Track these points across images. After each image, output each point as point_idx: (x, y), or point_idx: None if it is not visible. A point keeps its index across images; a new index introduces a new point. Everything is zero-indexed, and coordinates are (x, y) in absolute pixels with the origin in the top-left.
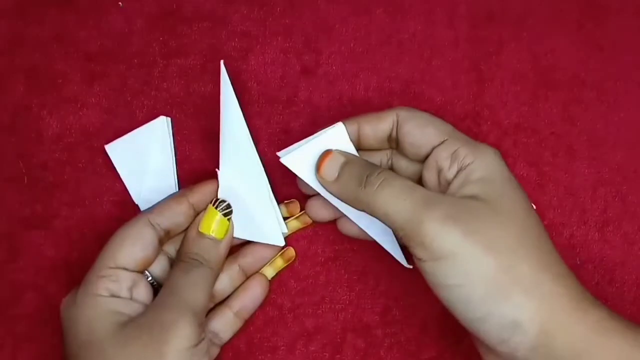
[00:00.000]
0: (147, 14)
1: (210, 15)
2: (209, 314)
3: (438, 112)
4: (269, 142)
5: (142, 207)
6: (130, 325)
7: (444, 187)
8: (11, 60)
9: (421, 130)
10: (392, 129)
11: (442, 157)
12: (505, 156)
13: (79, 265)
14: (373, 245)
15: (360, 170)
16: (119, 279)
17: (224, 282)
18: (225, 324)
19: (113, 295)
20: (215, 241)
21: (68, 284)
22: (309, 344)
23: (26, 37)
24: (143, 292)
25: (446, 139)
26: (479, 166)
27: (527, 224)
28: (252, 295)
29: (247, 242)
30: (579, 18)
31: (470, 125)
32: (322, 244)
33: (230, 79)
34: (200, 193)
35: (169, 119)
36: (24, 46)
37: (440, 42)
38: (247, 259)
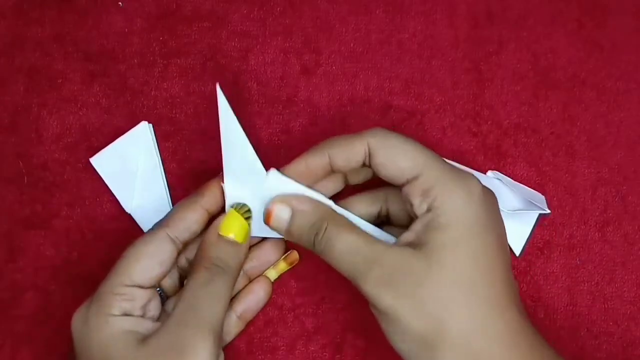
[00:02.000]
0: (146, 14)
1: (210, 15)
2: None
3: (438, 112)
4: (269, 142)
5: (135, 216)
6: (147, 344)
7: (409, 220)
8: (11, 60)
9: (394, 164)
10: (364, 158)
11: (414, 194)
12: (505, 156)
13: (78, 265)
14: None
15: (309, 228)
16: (134, 297)
17: None
18: (228, 327)
19: (126, 314)
20: (236, 245)
21: (68, 284)
22: (309, 344)
23: (26, 37)
24: (155, 308)
25: (420, 175)
26: (446, 211)
27: (474, 276)
28: (256, 298)
29: (251, 246)
30: (579, 18)
31: (470, 125)
32: None
33: (227, 99)
34: (211, 195)
35: (150, 125)
36: (23, 46)
37: (440, 42)
38: (252, 262)
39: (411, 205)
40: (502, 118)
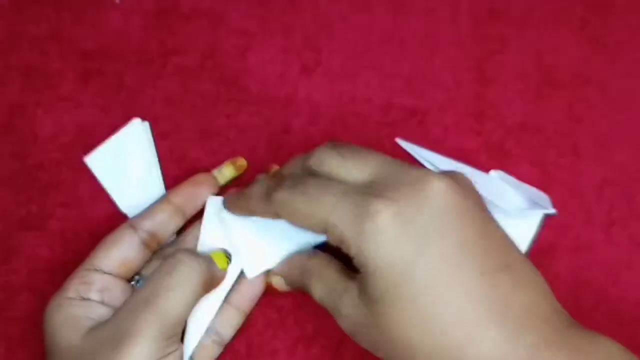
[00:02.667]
0: (144, 12)
1: (208, 12)
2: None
3: (440, 110)
4: (269, 141)
5: (130, 216)
6: (94, 332)
7: None
8: (6, 58)
9: (303, 226)
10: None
11: (335, 243)
12: (509, 156)
13: (74, 266)
14: None
15: (299, 282)
16: (89, 280)
17: None
18: (225, 320)
19: (82, 299)
20: (213, 261)
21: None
22: (310, 347)
23: (22, 35)
24: (118, 297)
25: (326, 230)
26: (364, 259)
27: (435, 313)
28: (251, 287)
29: None
30: (582, 15)
31: (474, 125)
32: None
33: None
34: (183, 194)
35: (146, 122)
36: (19, 45)
37: (443, 40)
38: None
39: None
40: (505, 117)
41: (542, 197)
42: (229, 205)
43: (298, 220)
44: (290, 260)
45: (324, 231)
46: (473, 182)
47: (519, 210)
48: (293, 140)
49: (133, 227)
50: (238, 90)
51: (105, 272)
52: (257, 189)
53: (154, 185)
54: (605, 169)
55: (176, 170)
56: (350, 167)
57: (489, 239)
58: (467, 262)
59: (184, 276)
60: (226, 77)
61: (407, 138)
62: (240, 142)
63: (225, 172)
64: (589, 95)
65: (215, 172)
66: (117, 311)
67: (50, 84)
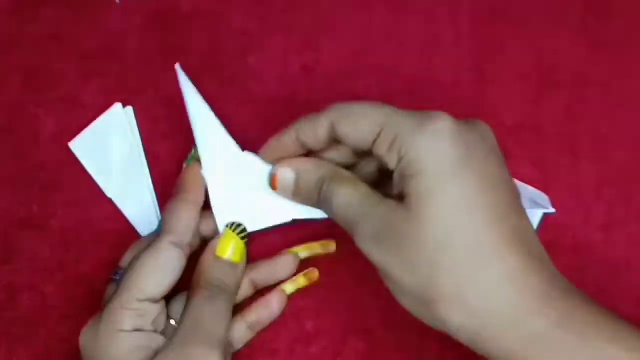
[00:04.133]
0: (145, 12)
1: (208, 12)
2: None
3: (440, 110)
4: None
5: (116, 200)
6: (159, 359)
7: (388, 180)
8: (7, 59)
9: (354, 129)
10: (329, 132)
11: (382, 150)
12: (508, 156)
13: (75, 266)
14: None
15: (314, 184)
16: (145, 312)
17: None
18: (239, 335)
19: (137, 330)
20: (233, 265)
21: (64, 285)
22: (310, 347)
23: (23, 35)
24: (162, 321)
25: (381, 130)
26: (412, 158)
27: (456, 224)
28: (269, 311)
29: (259, 257)
30: (582, 15)
31: None
32: None
33: (190, 78)
34: (196, 188)
35: (130, 107)
36: (20, 45)
37: (442, 40)
38: (261, 275)
39: (385, 163)
40: (505, 117)
41: (542, 196)
42: (270, 148)
43: (352, 122)
44: (305, 161)
45: (376, 134)
46: None
47: None
48: None
49: (177, 247)
50: (238, 91)
51: (157, 302)
52: (302, 118)
53: (138, 170)
54: (604, 169)
55: (176, 169)
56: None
57: (514, 186)
58: (500, 193)
59: (224, 303)
60: (226, 77)
61: None
62: (241, 142)
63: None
64: (588, 96)
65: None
66: (175, 340)
67: (51, 84)
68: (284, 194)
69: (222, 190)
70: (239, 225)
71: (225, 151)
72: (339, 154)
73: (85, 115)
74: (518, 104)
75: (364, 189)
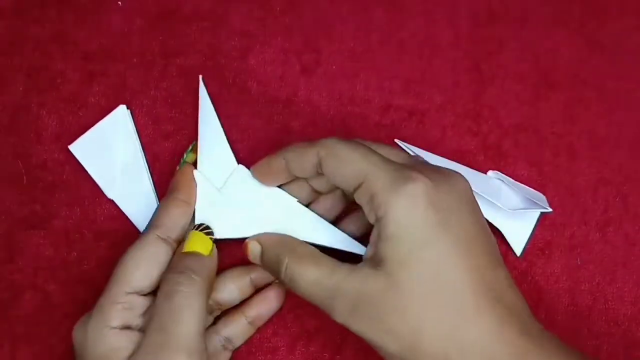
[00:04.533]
0: (146, 13)
1: (209, 14)
2: (223, 319)
3: (438, 111)
4: (269, 142)
5: (117, 201)
6: None
7: (368, 230)
8: (10, 59)
9: (339, 172)
10: (316, 168)
11: (362, 202)
12: (505, 156)
13: (78, 265)
14: None
15: (274, 262)
16: (133, 305)
17: (234, 294)
18: (239, 331)
19: (125, 327)
20: (200, 256)
21: (67, 284)
22: (310, 345)
23: (25, 36)
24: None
25: (364, 181)
26: (390, 220)
27: (438, 287)
28: (268, 305)
29: None
30: (579, 17)
31: (471, 125)
32: None
33: (208, 93)
34: (188, 187)
35: (129, 110)
36: (23, 46)
37: (441, 42)
38: (260, 273)
39: (365, 213)
40: (502, 118)
41: (539, 196)
42: (259, 169)
43: (337, 166)
44: (271, 236)
45: (357, 184)
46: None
47: (515, 209)
48: (293, 141)
49: (163, 241)
50: (239, 91)
51: (144, 294)
52: (294, 144)
53: (139, 171)
54: (600, 169)
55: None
56: (388, 149)
57: (489, 237)
58: (474, 252)
59: (187, 297)
60: (227, 78)
61: (405, 139)
62: (241, 142)
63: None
64: (585, 97)
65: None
66: (141, 345)
67: (54, 84)
68: (256, 262)
69: (209, 194)
70: (206, 226)
71: (222, 160)
72: (325, 184)
73: (87, 115)
74: (516, 104)
75: (327, 263)
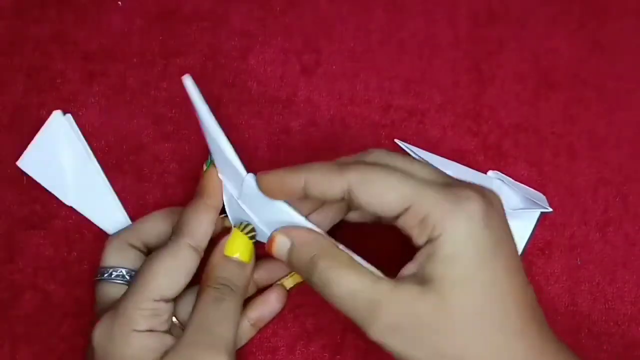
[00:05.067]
0: (146, 14)
1: (209, 14)
2: None
3: (438, 111)
4: (269, 142)
5: (77, 207)
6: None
7: (413, 248)
8: (10, 60)
9: (380, 200)
10: (343, 197)
11: (410, 226)
12: (505, 156)
13: (78, 265)
14: (373, 246)
15: (307, 262)
16: (160, 312)
17: None
18: (240, 333)
19: (151, 330)
20: (242, 265)
21: (67, 284)
22: (309, 345)
23: (25, 36)
24: (171, 320)
25: (411, 205)
26: (446, 241)
27: (488, 309)
28: (270, 307)
29: (262, 257)
30: (579, 18)
31: (471, 125)
32: None
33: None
34: (216, 193)
35: (68, 114)
36: (23, 46)
37: (441, 42)
38: (262, 274)
39: (410, 237)
40: (502, 118)
41: (539, 196)
42: (268, 183)
43: (375, 193)
44: (304, 232)
45: (403, 209)
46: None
47: (516, 209)
48: (293, 141)
49: (194, 250)
50: (239, 91)
51: (170, 301)
52: (317, 164)
53: (91, 174)
54: (600, 169)
55: (178, 170)
56: (419, 167)
57: (518, 255)
58: (517, 274)
59: (232, 304)
60: (227, 78)
61: (405, 138)
62: (241, 142)
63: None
64: (585, 97)
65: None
66: (182, 343)
67: (54, 85)
68: (281, 259)
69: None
70: (248, 224)
71: (231, 170)
72: (338, 209)
73: (87, 115)
74: (516, 104)
75: (368, 273)
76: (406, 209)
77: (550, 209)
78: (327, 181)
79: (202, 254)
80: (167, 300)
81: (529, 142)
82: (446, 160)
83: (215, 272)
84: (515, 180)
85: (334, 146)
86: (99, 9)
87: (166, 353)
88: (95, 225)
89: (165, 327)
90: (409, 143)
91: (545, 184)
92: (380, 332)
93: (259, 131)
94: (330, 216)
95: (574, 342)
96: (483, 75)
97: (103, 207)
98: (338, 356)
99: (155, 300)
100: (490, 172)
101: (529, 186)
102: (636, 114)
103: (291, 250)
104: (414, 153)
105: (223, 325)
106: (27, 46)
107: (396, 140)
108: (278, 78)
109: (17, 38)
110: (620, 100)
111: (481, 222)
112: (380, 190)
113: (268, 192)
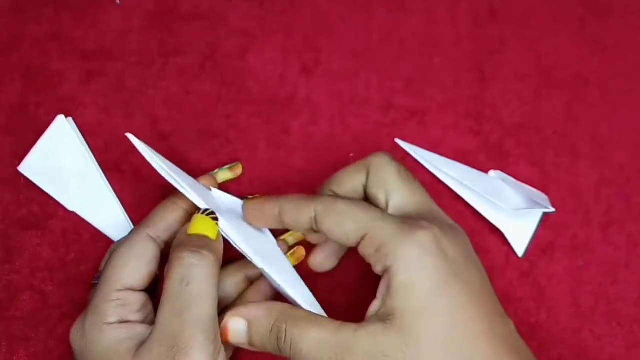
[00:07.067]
0: (144, 12)
1: (208, 13)
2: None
3: (440, 111)
4: (269, 142)
5: (80, 213)
6: (142, 352)
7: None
8: (8, 59)
9: (339, 228)
10: (311, 224)
11: (368, 254)
12: (507, 156)
13: (75, 266)
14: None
15: (269, 335)
16: (127, 302)
17: (229, 289)
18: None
19: (123, 321)
20: (207, 238)
21: (65, 284)
22: None
23: (23, 35)
24: (151, 310)
25: (367, 233)
26: (400, 267)
27: (452, 336)
28: (263, 297)
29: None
30: (582, 16)
31: (472, 125)
32: None
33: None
34: (187, 200)
35: (70, 118)
36: (20, 45)
37: (442, 40)
38: (255, 269)
39: (370, 264)
40: (504, 117)
41: (541, 196)
42: (251, 211)
43: (336, 222)
44: (256, 307)
45: (360, 236)
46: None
47: (518, 209)
48: (293, 140)
49: (152, 239)
50: (238, 91)
51: (137, 290)
52: (291, 195)
53: (94, 179)
54: (603, 169)
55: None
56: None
57: (492, 289)
58: (484, 302)
59: (203, 285)
60: (226, 77)
61: (406, 138)
62: (241, 142)
63: (221, 175)
64: (587, 96)
65: (212, 174)
66: (156, 328)
67: (51, 84)
68: (239, 345)
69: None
70: (211, 212)
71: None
72: (318, 238)
73: (85, 114)
74: (517, 103)
75: (329, 322)
76: (362, 238)
77: (553, 209)
78: (297, 210)
79: (162, 245)
80: (132, 290)
81: (530, 141)
82: (448, 160)
83: (180, 247)
84: (517, 180)
85: (334, 146)
86: (96, 7)
87: (142, 343)
88: (92, 225)
89: (138, 317)
90: (410, 143)
91: (547, 184)
92: None
93: (258, 131)
94: (335, 248)
95: (576, 343)
96: (484, 75)
97: (106, 214)
98: None
99: (119, 290)
100: (491, 172)
101: (531, 186)
102: (639, 113)
103: (250, 328)
104: (415, 153)
105: (196, 302)
106: (25, 45)
107: (397, 140)
108: (278, 77)
109: (14, 37)
110: (622, 100)
111: (434, 251)
112: (339, 219)
113: (252, 220)
